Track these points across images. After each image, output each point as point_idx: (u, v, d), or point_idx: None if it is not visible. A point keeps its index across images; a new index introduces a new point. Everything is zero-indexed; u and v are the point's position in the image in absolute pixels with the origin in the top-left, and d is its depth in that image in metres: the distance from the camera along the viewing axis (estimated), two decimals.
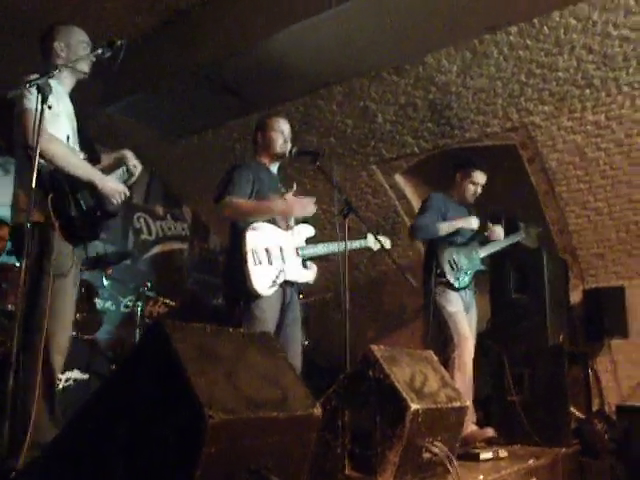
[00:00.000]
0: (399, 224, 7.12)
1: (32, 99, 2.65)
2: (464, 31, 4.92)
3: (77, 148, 3.01)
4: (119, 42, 2.85)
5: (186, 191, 8.37)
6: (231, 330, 1.81)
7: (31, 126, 2.56)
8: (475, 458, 3.89)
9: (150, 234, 8.25)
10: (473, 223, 4.62)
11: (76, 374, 4.06)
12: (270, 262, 3.54)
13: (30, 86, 2.56)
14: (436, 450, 2.72)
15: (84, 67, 3.06)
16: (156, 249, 8.32)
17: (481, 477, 3.21)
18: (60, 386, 3.98)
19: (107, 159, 3.27)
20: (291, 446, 1.80)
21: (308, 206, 3.71)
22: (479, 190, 4.74)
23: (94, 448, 1.62)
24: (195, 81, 5.70)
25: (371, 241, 4.22)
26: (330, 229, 6.95)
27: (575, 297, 6.33)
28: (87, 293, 4.66)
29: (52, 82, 2.72)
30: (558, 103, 5.39)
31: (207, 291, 8.43)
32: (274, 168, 3.94)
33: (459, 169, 4.77)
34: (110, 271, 5.17)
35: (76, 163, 2.81)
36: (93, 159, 3.10)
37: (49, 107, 2.57)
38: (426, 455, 2.74)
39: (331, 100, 6.04)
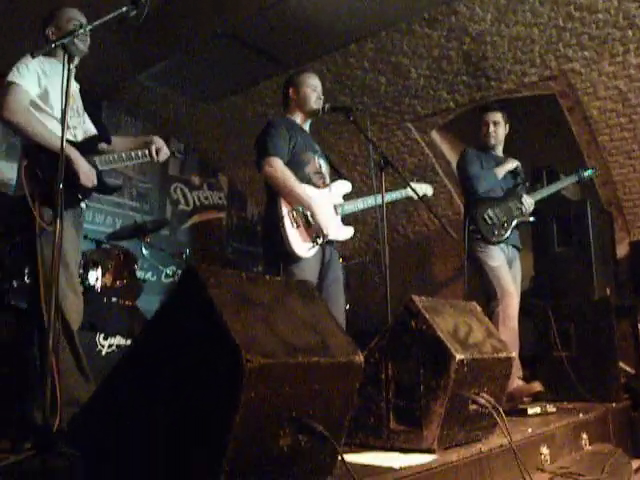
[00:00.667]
0: (437, 182, 7.00)
1: (24, 74, 2.79)
2: None
3: (75, 124, 3.07)
4: None
5: (221, 160, 8.37)
6: (268, 277, 1.76)
7: (11, 100, 2.73)
8: (522, 413, 3.83)
9: (187, 204, 8.29)
10: (513, 163, 4.56)
11: (119, 340, 4.09)
12: (308, 223, 3.48)
13: (56, 45, 2.56)
14: (482, 401, 2.65)
15: (78, 44, 3.03)
16: (194, 219, 8.37)
17: (529, 430, 3.15)
18: (103, 352, 4.02)
19: (134, 142, 3.36)
20: (333, 395, 1.76)
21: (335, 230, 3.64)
22: (499, 130, 4.61)
23: (133, 398, 1.61)
24: (225, 42, 5.64)
25: (412, 190, 4.04)
26: (367, 191, 6.89)
27: (621, 250, 6.17)
28: (126, 260, 4.68)
29: (46, 62, 2.89)
30: (599, 47, 5.19)
31: (246, 260, 8.46)
32: (306, 126, 3.86)
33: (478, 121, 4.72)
34: (149, 239, 5.18)
35: (44, 134, 2.83)
36: (102, 139, 3.17)
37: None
38: (472, 407, 2.67)
39: (362, 57, 5.93)
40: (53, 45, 2.58)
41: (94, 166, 2.99)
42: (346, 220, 3.79)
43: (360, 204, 3.80)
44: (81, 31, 2.66)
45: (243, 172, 8.30)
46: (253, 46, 5.68)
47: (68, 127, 2.91)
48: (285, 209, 3.46)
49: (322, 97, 3.81)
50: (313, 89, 3.78)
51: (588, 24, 5.04)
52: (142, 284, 4.97)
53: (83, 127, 3.15)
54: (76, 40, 2.97)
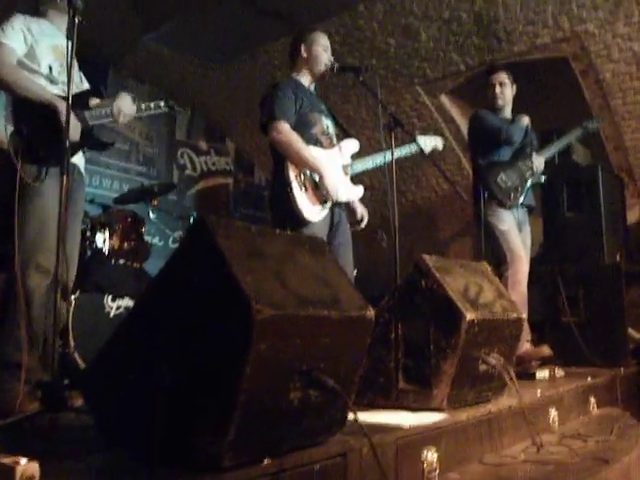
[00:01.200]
0: (446, 148, 6.92)
1: (9, 34, 2.79)
2: None
3: (64, 79, 2.89)
4: None
5: (228, 125, 8.32)
6: (278, 231, 1.74)
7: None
8: (531, 377, 3.83)
9: (194, 169, 8.27)
10: (524, 120, 4.47)
11: (127, 302, 4.09)
12: (316, 186, 3.44)
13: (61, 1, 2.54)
14: (493, 361, 2.64)
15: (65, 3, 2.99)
16: (201, 184, 8.34)
17: (539, 393, 3.15)
18: (111, 314, 4.02)
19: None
20: (344, 349, 1.74)
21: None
22: (506, 90, 4.53)
23: (141, 352, 1.59)
24: (232, 2, 5.55)
25: (422, 142, 3.95)
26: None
27: (632, 216, 6.10)
28: (133, 223, 4.66)
29: (33, 21, 2.90)
30: (613, 7, 5.08)
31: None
32: (312, 87, 3.78)
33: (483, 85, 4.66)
34: (156, 202, 5.15)
35: (29, 87, 2.80)
36: (94, 95, 3.08)
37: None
38: (482, 367, 2.66)
39: (372, 19, 5.84)
40: (58, 0, 2.56)
41: (83, 120, 2.91)
42: (355, 180, 3.74)
43: (369, 163, 3.74)
44: None
45: (250, 137, 8.23)
46: (261, 6, 5.59)
47: (57, 82, 2.93)
48: (293, 173, 3.40)
49: (332, 58, 3.71)
50: (324, 49, 3.67)
51: None
52: (150, 247, 4.95)
53: (75, 83, 3.01)
54: None
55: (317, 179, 3.43)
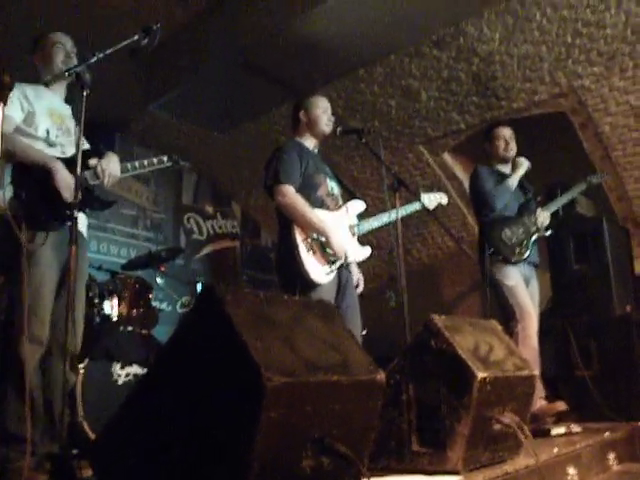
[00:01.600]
0: (450, 204, 6.96)
1: (9, 105, 2.66)
2: None
3: (63, 142, 3.04)
4: (155, 26, 2.82)
5: (233, 188, 8.41)
6: (286, 297, 1.74)
7: None
8: (547, 434, 3.75)
9: (201, 234, 8.31)
10: (524, 163, 4.48)
11: (135, 369, 4.06)
12: (323, 248, 3.45)
13: (69, 75, 2.61)
14: (507, 420, 2.59)
15: (60, 66, 3.08)
16: (208, 248, 8.38)
17: (555, 450, 3.08)
18: (119, 382, 3.99)
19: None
20: (355, 414, 1.72)
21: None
22: (511, 144, 4.56)
23: (151, 421, 1.58)
24: (235, 70, 5.69)
25: (426, 200, 4.02)
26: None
27: (639, 266, 6.08)
28: (141, 289, 4.67)
29: (28, 87, 2.95)
30: (608, 63, 5.18)
31: (261, 288, 8.41)
32: (316, 150, 3.84)
33: (485, 140, 4.69)
34: (163, 268, 5.17)
35: (25, 151, 2.82)
36: (93, 154, 3.08)
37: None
38: (496, 427, 2.62)
39: (372, 81, 5.96)
40: (67, 74, 2.63)
41: (84, 180, 2.89)
42: (362, 240, 3.76)
43: (375, 222, 3.77)
44: (93, 59, 2.69)
45: (256, 200, 8.32)
46: (263, 73, 5.72)
47: (54, 145, 2.97)
48: (299, 236, 3.42)
49: (332, 119, 3.79)
50: (323, 111, 3.76)
51: (596, 40, 5.04)
52: (158, 313, 4.94)
53: (73, 147, 3.05)
54: (60, 64, 3.06)
55: (324, 241, 3.45)
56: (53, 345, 2.75)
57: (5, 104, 1.38)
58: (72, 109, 3.20)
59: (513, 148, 4.57)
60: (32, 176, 2.77)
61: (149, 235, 7.63)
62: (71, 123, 3.16)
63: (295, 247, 3.39)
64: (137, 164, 3.16)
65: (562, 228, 5.11)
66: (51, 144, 2.96)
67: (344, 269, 3.60)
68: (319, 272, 3.40)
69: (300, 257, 3.37)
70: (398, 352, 2.75)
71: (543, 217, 4.46)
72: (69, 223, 2.85)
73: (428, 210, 3.93)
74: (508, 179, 4.42)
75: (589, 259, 5.20)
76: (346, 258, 3.48)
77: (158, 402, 1.56)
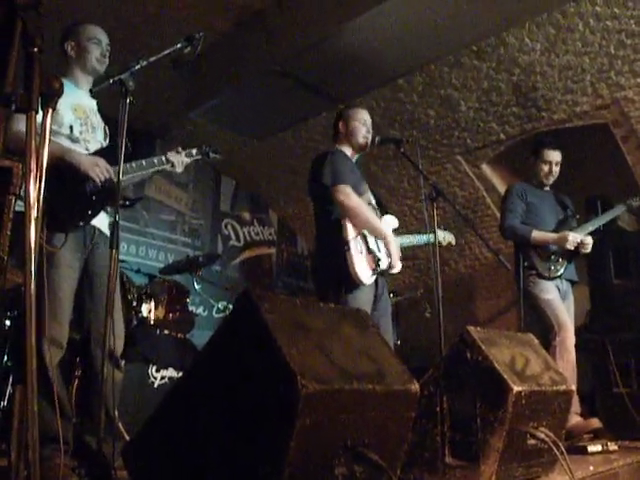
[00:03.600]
0: (489, 216, 6.92)
1: None
2: (546, 2, 4.71)
3: (87, 138, 2.96)
4: (197, 35, 2.85)
5: (271, 196, 8.46)
6: (322, 304, 1.75)
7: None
8: (582, 451, 3.69)
9: (238, 240, 8.38)
10: (569, 243, 4.29)
11: (171, 372, 4.11)
12: (369, 250, 3.49)
13: (113, 82, 2.63)
14: (542, 436, 2.56)
15: (94, 64, 3.00)
16: (245, 255, 8.44)
17: (591, 468, 3.03)
18: (155, 385, 4.04)
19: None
20: (389, 424, 1.72)
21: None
22: (555, 169, 4.50)
23: (186, 425, 1.60)
24: (275, 79, 5.74)
25: (440, 235, 4.16)
26: (417, 225, 6.85)
27: None
28: (178, 293, 4.74)
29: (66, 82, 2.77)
30: None
31: (296, 295, 8.46)
32: (354, 160, 3.87)
33: (532, 153, 4.60)
34: (200, 273, 5.23)
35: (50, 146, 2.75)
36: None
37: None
38: (531, 442, 2.59)
39: (411, 91, 5.95)
40: (111, 81, 2.63)
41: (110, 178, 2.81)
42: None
43: (406, 240, 3.83)
44: (137, 67, 2.72)
45: (293, 208, 8.36)
46: (302, 82, 5.76)
47: (78, 141, 2.90)
48: (352, 234, 3.45)
49: (371, 131, 3.81)
50: (362, 123, 3.79)
51: None
52: (194, 317, 5.01)
53: (97, 143, 3.04)
54: (94, 61, 2.97)
55: (372, 245, 3.49)
56: (96, 346, 2.74)
57: (54, 110, 1.39)
58: (97, 103, 3.12)
59: (555, 174, 4.52)
60: (53, 171, 2.68)
61: (187, 240, 7.72)
62: (95, 118, 3.07)
63: (346, 244, 3.41)
64: (194, 151, 3.12)
65: (602, 242, 5.02)
66: (74, 140, 2.90)
67: (380, 278, 3.61)
68: (365, 272, 3.43)
69: (350, 254, 3.39)
70: (433, 363, 2.74)
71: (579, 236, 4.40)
72: (92, 223, 2.87)
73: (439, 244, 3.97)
74: (537, 234, 4.33)
75: (630, 274, 5.11)
76: (397, 264, 3.58)
77: (193, 406, 1.58)
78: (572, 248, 4.30)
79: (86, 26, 3.06)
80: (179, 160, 3.07)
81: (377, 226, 3.55)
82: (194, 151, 3.17)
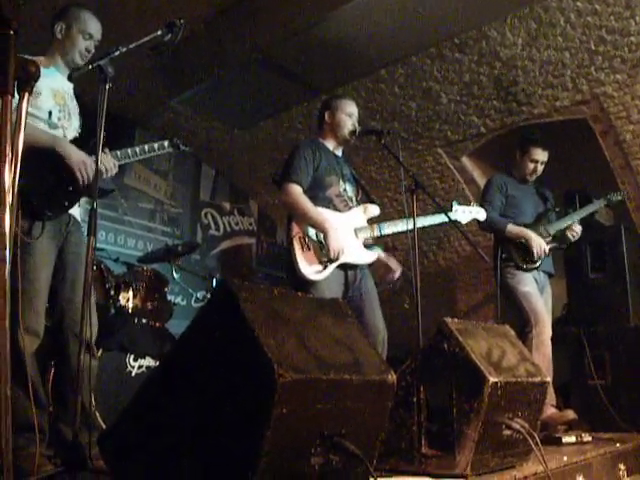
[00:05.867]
0: None
1: None
2: None
3: (65, 124, 2.92)
4: (178, 22, 2.83)
5: (251, 185, 8.44)
6: (300, 294, 1.75)
7: None
8: (557, 442, 3.73)
9: (218, 230, 8.35)
10: (534, 248, 4.31)
11: (148, 361, 4.09)
12: (318, 246, 3.46)
13: (92, 68, 2.59)
14: (517, 426, 2.59)
15: (75, 57, 2.95)
16: (224, 244, 8.41)
17: (565, 459, 3.07)
18: (133, 373, 4.02)
19: None
20: (365, 414, 1.73)
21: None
22: (539, 168, 4.54)
23: (162, 413, 1.60)
24: (257, 67, 5.72)
25: (460, 213, 3.83)
26: (396, 216, 6.85)
27: None
28: (157, 282, 4.71)
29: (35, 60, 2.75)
30: (631, 70, 5.14)
31: (275, 285, 8.42)
32: (338, 151, 3.85)
33: (518, 146, 4.61)
34: (179, 262, 5.21)
35: (31, 131, 2.53)
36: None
37: None
38: (506, 432, 2.61)
39: (393, 82, 5.95)
40: (90, 67, 2.59)
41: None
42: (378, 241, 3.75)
43: (388, 229, 3.71)
44: (117, 53, 2.69)
45: (273, 198, 8.33)
46: (285, 71, 5.74)
47: (56, 127, 2.86)
48: (295, 233, 3.48)
49: (356, 125, 3.77)
50: (349, 116, 3.76)
51: (620, 47, 4.99)
52: (173, 306, 4.98)
53: (74, 130, 3.01)
54: (77, 54, 2.92)
55: (320, 239, 3.46)
56: (69, 334, 2.73)
57: (31, 95, 1.37)
58: (74, 88, 3.06)
59: (539, 173, 4.55)
60: (33, 160, 2.58)
61: (166, 229, 7.68)
62: (72, 104, 3.03)
63: (290, 243, 3.45)
64: (138, 150, 3.05)
65: (579, 236, 5.08)
66: (53, 126, 2.86)
67: (352, 269, 3.59)
68: (310, 269, 3.42)
69: (294, 253, 3.42)
70: (410, 354, 2.75)
71: (552, 231, 4.44)
72: (75, 213, 2.89)
73: (455, 223, 3.70)
74: (512, 227, 4.36)
75: (606, 268, 5.17)
76: (339, 257, 3.43)
77: (170, 395, 1.57)
78: (536, 255, 4.32)
79: (83, 15, 3.00)
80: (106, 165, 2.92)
81: (316, 221, 3.45)
82: (156, 145, 3.14)
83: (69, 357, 2.71)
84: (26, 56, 2.68)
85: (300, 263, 3.41)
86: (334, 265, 3.47)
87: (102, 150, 2.74)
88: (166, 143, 3.18)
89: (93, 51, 3.00)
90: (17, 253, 2.48)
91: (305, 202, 3.48)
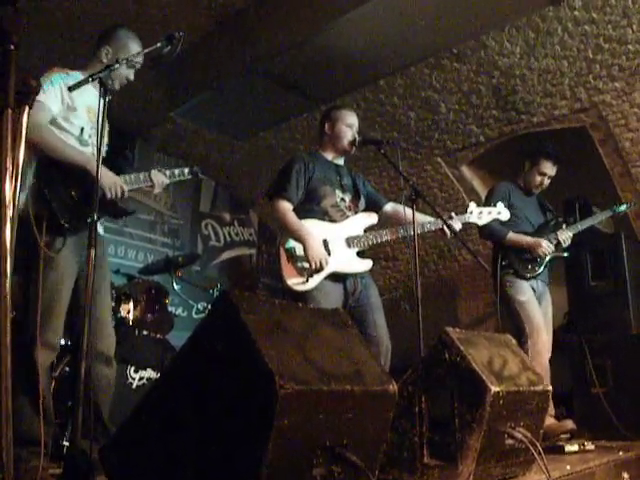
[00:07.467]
0: None
1: (47, 90, 2.69)
2: (526, 6, 4.76)
3: (94, 142, 2.93)
4: (178, 34, 2.83)
5: (251, 196, 8.45)
6: (300, 305, 1.75)
7: (33, 119, 2.48)
8: (560, 451, 3.72)
9: (218, 240, 8.35)
10: (541, 250, 4.31)
11: (149, 373, 4.09)
12: (299, 257, 3.46)
13: (92, 80, 2.60)
14: (519, 436, 2.58)
15: (115, 83, 2.99)
16: (225, 255, 8.41)
17: (568, 468, 3.06)
18: (133, 385, 4.02)
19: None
20: (367, 425, 1.73)
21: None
22: (546, 181, 4.54)
23: (164, 425, 1.59)
24: (256, 79, 5.75)
25: (476, 215, 3.82)
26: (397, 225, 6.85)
27: None
28: (157, 294, 4.71)
29: (71, 76, 2.80)
30: (629, 78, 5.16)
31: (276, 296, 8.43)
32: (339, 161, 3.84)
33: (528, 156, 4.59)
34: (180, 273, 5.20)
35: (64, 149, 2.72)
36: (122, 165, 3.08)
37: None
38: (509, 442, 2.61)
39: (392, 93, 5.97)
40: (90, 79, 2.60)
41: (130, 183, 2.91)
42: (366, 253, 3.70)
43: (384, 237, 3.69)
44: (116, 66, 2.70)
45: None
46: (284, 82, 5.76)
47: (87, 144, 2.88)
48: (281, 245, 3.50)
49: (356, 136, 3.75)
50: (349, 126, 3.75)
51: (618, 55, 5.02)
52: (173, 318, 4.98)
53: (103, 147, 2.97)
54: (117, 83, 2.97)
55: (303, 249, 3.44)
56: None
57: (31, 108, 1.38)
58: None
59: (545, 187, 4.55)
60: (61, 175, 2.68)
61: (166, 240, 7.68)
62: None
63: (277, 255, 3.49)
64: (176, 172, 3.17)
65: (579, 245, 5.08)
66: (83, 143, 2.88)
67: (351, 278, 3.58)
68: (294, 280, 3.44)
69: (280, 265, 3.45)
70: (412, 364, 2.75)
71: (564, 237, 4.41)
72: (100, 230, 2.94)
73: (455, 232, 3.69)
74: (512, 235, 4.35)
75: (606, 276, 5.17)
76: (320, 267, 3.39)
77: (171, 406, 1.57)
78: (543, 256, 4.31)
79: (132, 46, 3.03)
80: (159, 181, 3.09)
81: (296, 233, 3.45)
82: (177, 172, 3.19)
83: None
84: (66, 69, 2.74)
85: (285, 274, 3.44)
86: (321, 275, 3.45)
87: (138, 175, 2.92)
88: (186, 170, 3.24)
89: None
90: (37, 267, 2.52)
91: (291, 217, 3.49)
